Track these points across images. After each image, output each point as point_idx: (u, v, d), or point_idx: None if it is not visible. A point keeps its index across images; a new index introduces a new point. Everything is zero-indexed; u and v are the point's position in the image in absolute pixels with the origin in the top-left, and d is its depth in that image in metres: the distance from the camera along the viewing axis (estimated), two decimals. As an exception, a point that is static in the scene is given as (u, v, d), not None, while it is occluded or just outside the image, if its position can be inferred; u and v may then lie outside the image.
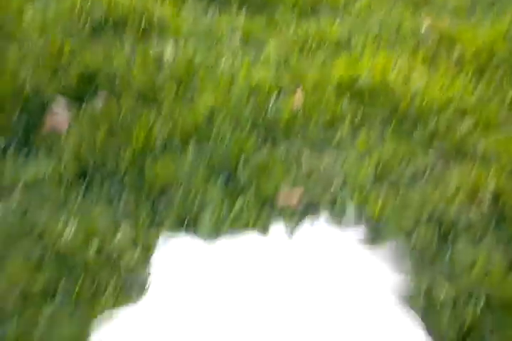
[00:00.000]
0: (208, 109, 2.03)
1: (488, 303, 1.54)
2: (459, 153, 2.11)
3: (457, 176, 1.98)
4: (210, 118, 2.01)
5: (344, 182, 1.87)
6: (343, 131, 2.08)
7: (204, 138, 1.97)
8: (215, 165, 1.90)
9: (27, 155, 1.87)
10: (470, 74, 2.31)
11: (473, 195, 1.92)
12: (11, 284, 1.50)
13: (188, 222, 1.72)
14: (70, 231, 1.63)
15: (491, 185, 1.93)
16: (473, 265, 1.64)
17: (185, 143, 1.95)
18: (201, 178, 1.84)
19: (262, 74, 2.21)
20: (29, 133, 1.94)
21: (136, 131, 1.94)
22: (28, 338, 1.40)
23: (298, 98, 2.15)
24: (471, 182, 1.96)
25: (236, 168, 1.90)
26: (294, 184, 1.88)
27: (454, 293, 1.56)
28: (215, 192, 1.80)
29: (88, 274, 1.54)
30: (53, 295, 1.49)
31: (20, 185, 1.76)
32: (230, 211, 1.74)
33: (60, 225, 1.65)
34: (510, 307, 1.54)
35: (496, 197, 1.91)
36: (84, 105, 2.03)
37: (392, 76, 2.25)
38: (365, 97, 2.17)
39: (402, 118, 2.15)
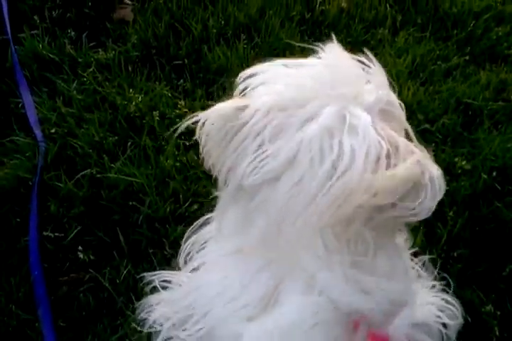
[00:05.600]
0: (258, 5, 2.22)
1: (499, 174, 1.75)
2: (492, 56, 2.26)
3: (487, 75, 2.14)
4: (261, 14, 2.20)
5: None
6: (384, 31, 2.25)
7: (255, 32, 2.17)
8: (263, 55, 2.10)
9: (98, 42, 2.10)
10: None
11: (500, 91, 2.10)
12: (90, 141, 1.76)
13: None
14: (136, 103, 1.87)
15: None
16: (491, 145, 1.83)
17: (237, 36, 2.16)
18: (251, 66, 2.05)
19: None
20: (99, 24, 2.17)
21: (193, 24, 2.15)
22: (102, 182, 1.67)
23: (344, -1, 2.31)
24: (500, 80, 2.13)
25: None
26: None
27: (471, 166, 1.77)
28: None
29: (152, 134, 1.78)
30: (123, 150, 1.74)
31: (92, 65, 2.00)
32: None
33: (127, 98, 1.89)
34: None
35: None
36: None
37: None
38: (406, 1, 2.34)
39: (441, 22, 2.31)
